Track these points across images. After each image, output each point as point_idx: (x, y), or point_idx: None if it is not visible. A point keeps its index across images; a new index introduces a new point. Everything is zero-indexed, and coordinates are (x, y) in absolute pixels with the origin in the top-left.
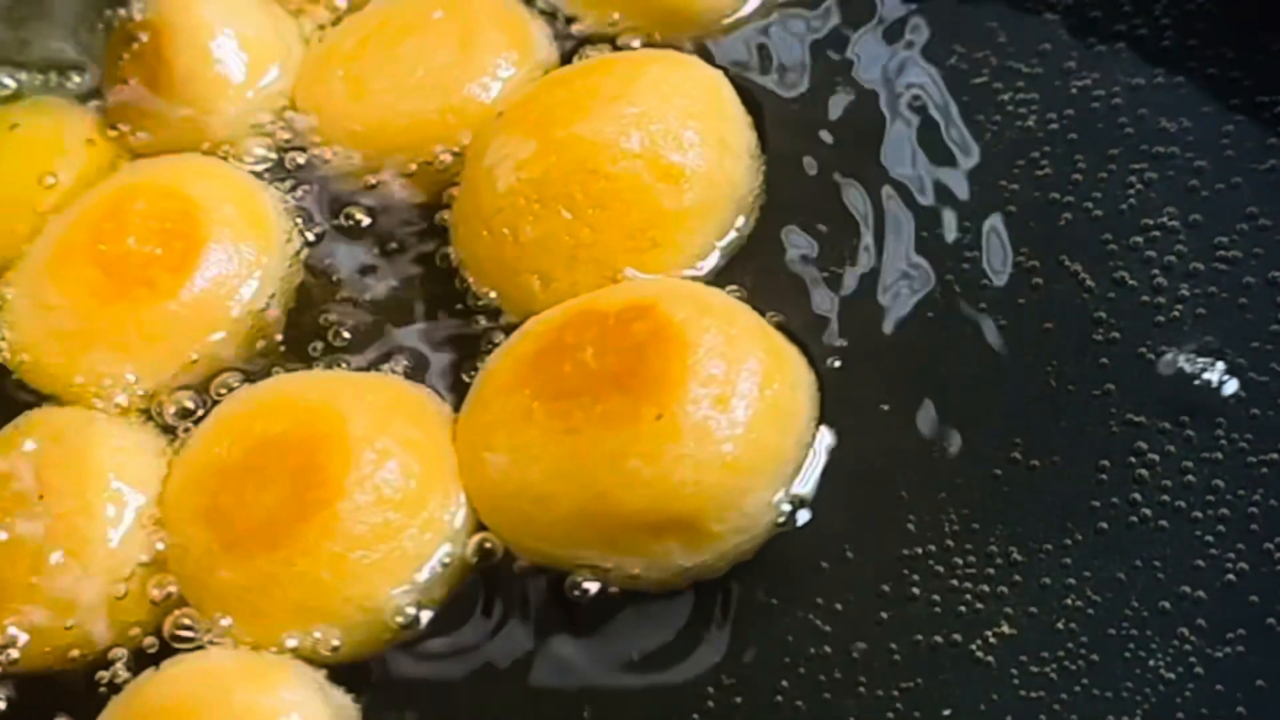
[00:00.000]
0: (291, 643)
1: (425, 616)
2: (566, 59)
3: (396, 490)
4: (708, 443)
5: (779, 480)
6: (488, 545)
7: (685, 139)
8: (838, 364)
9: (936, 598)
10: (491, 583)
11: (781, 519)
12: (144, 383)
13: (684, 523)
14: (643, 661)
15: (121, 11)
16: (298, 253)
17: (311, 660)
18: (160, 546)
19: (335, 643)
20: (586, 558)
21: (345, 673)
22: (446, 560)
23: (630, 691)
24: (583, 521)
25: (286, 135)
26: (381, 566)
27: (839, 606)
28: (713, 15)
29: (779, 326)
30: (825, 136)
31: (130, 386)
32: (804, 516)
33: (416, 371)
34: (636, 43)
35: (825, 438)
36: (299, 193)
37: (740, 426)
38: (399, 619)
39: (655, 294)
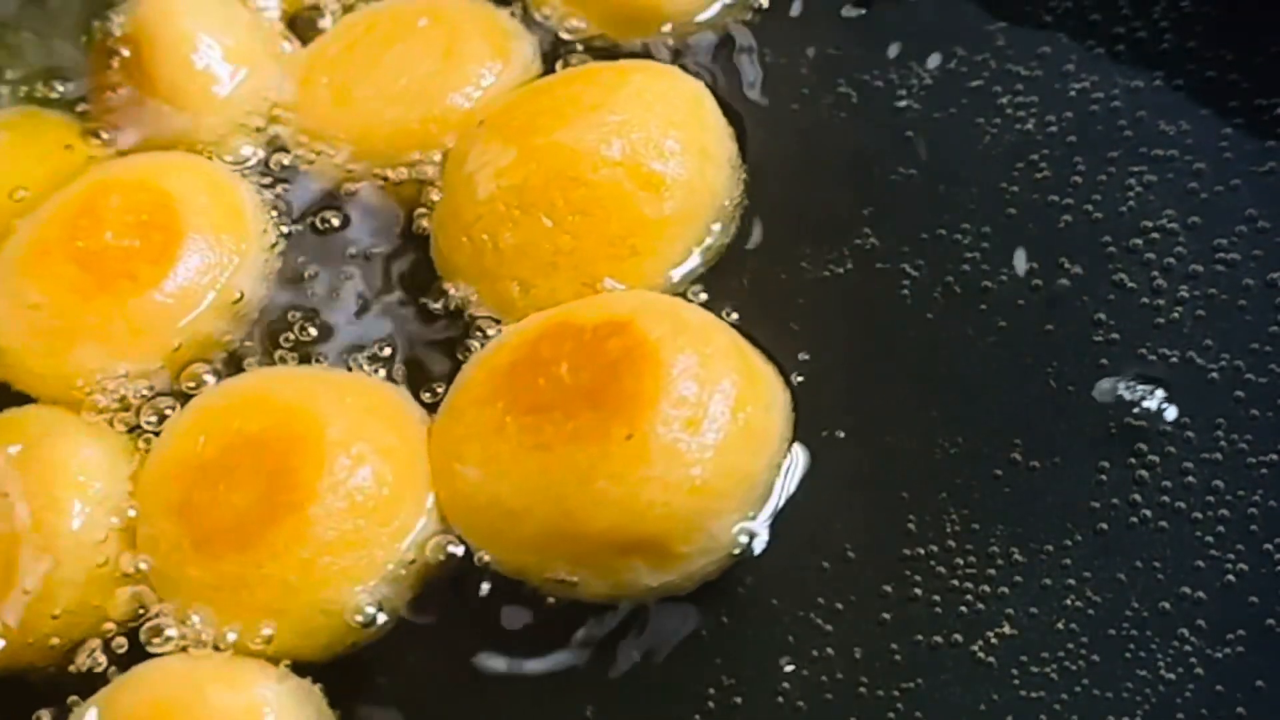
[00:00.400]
0: (260, 637)
1: (393, 618)
2: (550, 69)
3: (369, 497)
4: (677, 465)
5: (748, 503)
6: (453, 547)
7: (666, 148)
8: (836, 366)
9: (937, 598)
10: (473, 582)
11: (738, 549)
12: (132, 376)
13: (651, 544)
14: (642, 661)
15: (105, 23)
16: (274, 245)
17: (274, 659)
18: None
19: (295, 642)
20: (555, 572)
21: (314, 672)
22: (413, 561)
23: (630, 692)
24: (551, 538)
25: (271, 139)
26: (349, 573)
27: (840, 607)
28: (681, 15)
29: (761, 336)
30: (812, 141)
31: (119, 381)
32: (776, 538)
33: (391, 375)
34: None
35: (800, 456)
36: (280, 189)
37: (710, 450)
38: (359, 618)
39: (632, 310)
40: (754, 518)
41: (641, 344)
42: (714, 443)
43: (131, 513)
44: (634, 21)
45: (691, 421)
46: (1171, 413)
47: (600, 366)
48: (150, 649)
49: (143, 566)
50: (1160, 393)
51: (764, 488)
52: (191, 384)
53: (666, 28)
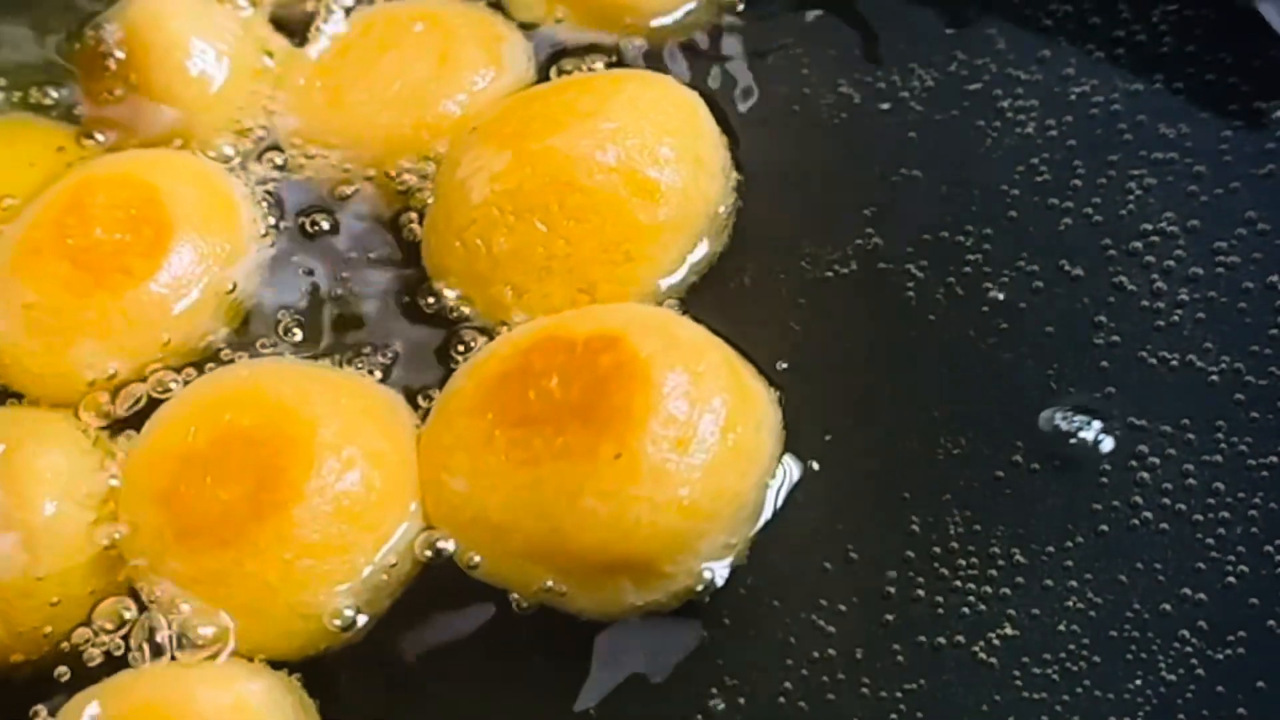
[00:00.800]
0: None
1: (373, 622)
2: (544, 77)
3: (355, 502)
4: (665, 486)
5: (736, 523)
6: (442, 547)
7: (661, 155)
8: (838, 367)
9: (940, 599)
10: (461, 586)
11: (701, 586)
12: (126, 370)
13: (637, 563)
14: (645, 663)
15: (98, 30)
16: (264, 234)
17: (247, 656)
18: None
19: (270, 642)
20: (542, 583)
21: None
22: (394, 565)
23: (633, 693)
24: (537, 554)
25: (264, 140)
26: (330, 577)
27: (842, 608)
28: (653, 12)
29: (760, 337)
30: (814, 141)
31: (113, 376)
32: (779, 539)
33: (379, 379)
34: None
35: (803, 457)
36: (272, 189)
37: (699, 471)
38: (337, 622)
39: (624, 324)
40: (735, 544)
41: (633, 360)
42: (703, 463)
43: (112, 486)
44: (609, 16)
45: (681, 441)
46: (1108, 444)
47: (591, 381)
48: (129, 654)
49: (117, 536)
50: (1099, 422)
51: (752, 507)
52: (158, 388)
53: (655, 23)
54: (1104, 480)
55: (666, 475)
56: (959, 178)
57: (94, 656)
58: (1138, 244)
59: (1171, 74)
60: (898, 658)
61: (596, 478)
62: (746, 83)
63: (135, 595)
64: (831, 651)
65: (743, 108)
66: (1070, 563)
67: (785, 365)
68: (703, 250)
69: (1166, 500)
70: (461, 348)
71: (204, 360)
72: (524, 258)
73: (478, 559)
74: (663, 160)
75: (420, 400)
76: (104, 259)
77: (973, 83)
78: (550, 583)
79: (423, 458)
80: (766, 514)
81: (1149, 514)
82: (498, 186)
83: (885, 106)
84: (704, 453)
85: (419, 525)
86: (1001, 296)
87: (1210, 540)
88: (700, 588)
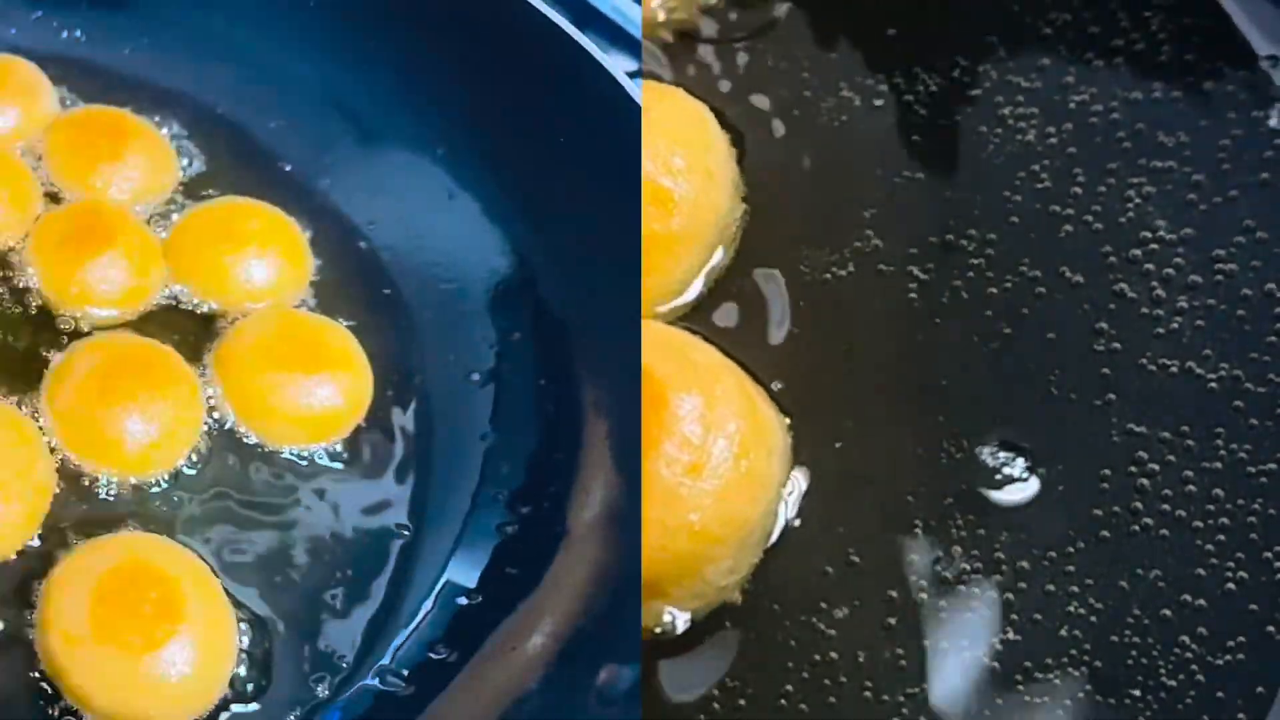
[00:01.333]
0: None
1: None
2: None
3: None
4: (677, 509)
5: (743, 548)
6: None
7: (674, 165)
8: (841, 369)
9: (942, 603)
10: None
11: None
12: None
13: (644, 585)
14: (646, 664)
15: None
16: None
17: None
18: None
19: None
20: None
21: None
22: None
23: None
24: None
25: None
26: None
27: (844, 611)
28: None
29: (760, 339)
30: (814, 144)
31: None
32: (781, 540)
33: None
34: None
35: (794, 471)
36: None
37: (710, 496)
38: None
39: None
40: (741, 572)
41: (648, 382)
42: (714, 489)
43: None
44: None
45: (694, 466)
46: (1108, 451)
47: None
48: None
49: None
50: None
51: (760, 533)
52: None
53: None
54: (1105, 486)
55: (679, 499)
56: (960, 183)
57: None
58: (1137, 251)
59: (1170, 82)
60: (900, 661)
61: None
62: (747, 85)
63: None
64: (833, 655)
65: (743, 110)
66: (1071, 568)
67: (787, 367)
68: (713, 261)
69: (1166, 506)
70: None
71: None
72: None
73: None
74: (676, 170)
75: None
76: None
77: (974, 89)
78: None
79: None
80: (773, 538)
81: (1149, 520)
82: None
83: (887, 111)
84: (716, 478)
85: None
86: (1003, 302)
87: (1210, 546)
88: (727, 598)
